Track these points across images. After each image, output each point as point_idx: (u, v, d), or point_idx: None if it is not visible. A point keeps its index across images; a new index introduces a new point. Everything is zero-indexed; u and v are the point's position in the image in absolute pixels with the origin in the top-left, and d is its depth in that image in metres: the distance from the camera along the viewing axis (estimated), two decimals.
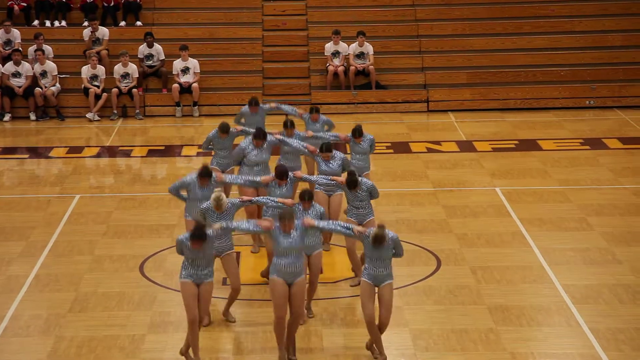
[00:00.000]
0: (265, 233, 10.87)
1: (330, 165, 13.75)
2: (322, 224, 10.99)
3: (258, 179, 12.94)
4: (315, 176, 13.64)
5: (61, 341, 11.45)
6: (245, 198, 12.20)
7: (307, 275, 11.84)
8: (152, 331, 11.68)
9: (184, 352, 10.90)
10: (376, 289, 10.76)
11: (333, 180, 13.05)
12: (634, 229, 14.99)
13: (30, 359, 11.07)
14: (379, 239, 10.54)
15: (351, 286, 12.94)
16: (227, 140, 14.95)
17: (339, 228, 10.96)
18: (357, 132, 14.65)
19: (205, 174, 12.55)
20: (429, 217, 15.64)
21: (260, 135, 14.13)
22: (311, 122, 16.04)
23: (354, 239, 11.88)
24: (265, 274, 12.98)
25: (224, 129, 14.82)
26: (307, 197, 11.65)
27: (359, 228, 10.89)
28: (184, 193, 12.92)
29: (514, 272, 13.35)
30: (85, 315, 12.17)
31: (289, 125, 14.90)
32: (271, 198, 12.19)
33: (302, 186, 14.26)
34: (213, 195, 11.69)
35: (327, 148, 13.78)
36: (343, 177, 12.99)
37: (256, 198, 12.28)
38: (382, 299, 10.77)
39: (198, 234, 10.52)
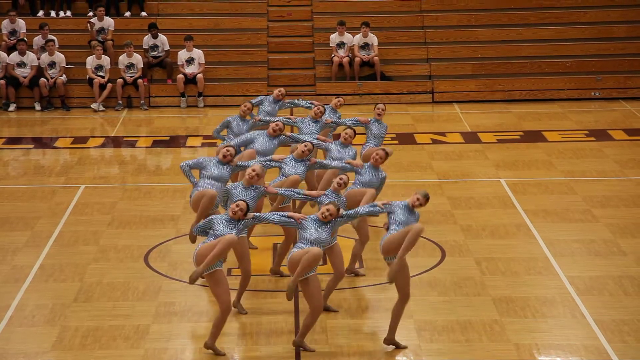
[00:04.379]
0: (298, 227, 10.78)
1: (344, 153, 13.62)
2: (350, 212, 10.99)
3: (271, 157, 12.98)
4: (330, 161, 13.46)
5: (66, 331, 11.47)
6: (271, 189, 12.04)
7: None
8: (156, 321, 11.70)
9: (210, 345, 10.82)
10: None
11: (348, 163, 12.95)
12: (639, 221, 14.97)
13: (35, 349, 11.08)
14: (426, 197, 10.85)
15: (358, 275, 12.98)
16: (245, 127, 14.90)
17: (365, 210, 10.98)
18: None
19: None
20: (433, 208, 15.62)
21: None
22: (333, 110, 15.96)
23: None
24: (276, 271, 12.98)
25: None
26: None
27: (381, 202, 10.93)
28: (195, 176, 12.84)
29: (518, 263, 13.34)
30: (90, 305, 12.19)
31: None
32: (297, 190, 12.05)
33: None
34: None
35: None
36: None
37: (282, 190, 12.06)
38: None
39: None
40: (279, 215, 10.94)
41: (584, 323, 11.53)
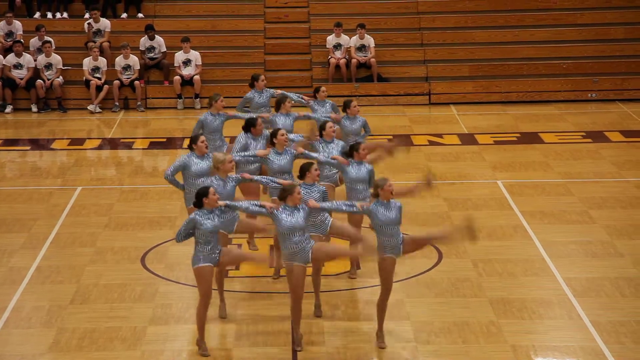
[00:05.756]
0: (270, 215, 10.76)
1: (331, 147, 13.47)
2: (326, 205, 11.01)
3: (254, 152, 12.91)
4: (315, 153, 13.20)
5: (63, 333, 11.46)
6: (247, 176, 12.02)
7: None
8: (153, 323, 11.70)
9: (199, 342, 10.89)
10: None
11: (334, 159, 12.65)
12: (636, 222, 14.99)
13: (32, 351, 11.08)
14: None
15: (351, 278, 12.94)
16: (219, 122, 14.82)
17: (343, 207, 10.93)
18: (346, 104, 14.58)
19: (195, 139, 12.52)
20: (430, 210, 15.63)
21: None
22: (319, 102, 15.71)
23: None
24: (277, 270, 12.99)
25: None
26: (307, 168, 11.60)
27: (362, 202, 10.93)
28: (180, 180, 12.74)
29: (515, 265, 13.35)
30: (87, 307, 12.19)
31: (283, 102, 14.86)
32: (272, 179, 12.05)
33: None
34: (216, 155, 11.76)
35: (322, 126, 13.49)
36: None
37: (257, 177, 12.10)
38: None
39: (201, 190, 10.64)
40: (252, 204, 10.94)
41: (580, 324, 11.54)
